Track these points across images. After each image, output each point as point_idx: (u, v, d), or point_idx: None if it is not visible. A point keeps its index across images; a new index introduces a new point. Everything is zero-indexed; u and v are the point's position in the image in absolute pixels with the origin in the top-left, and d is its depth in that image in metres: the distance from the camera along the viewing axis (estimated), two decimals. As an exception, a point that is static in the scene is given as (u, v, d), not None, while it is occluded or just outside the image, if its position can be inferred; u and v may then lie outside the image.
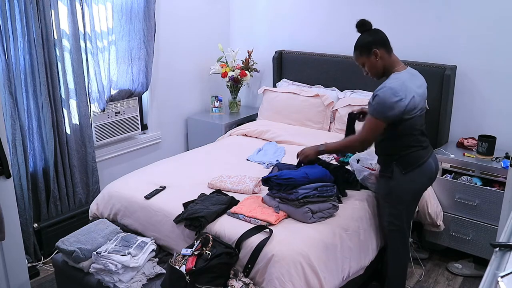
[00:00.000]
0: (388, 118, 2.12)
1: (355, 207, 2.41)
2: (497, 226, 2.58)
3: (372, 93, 2.21)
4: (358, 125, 2.40)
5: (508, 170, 2.34)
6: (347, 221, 2.30)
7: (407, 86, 2.13)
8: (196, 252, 2.03)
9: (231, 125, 3.88)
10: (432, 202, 2.88)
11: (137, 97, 3.62)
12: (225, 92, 4.23)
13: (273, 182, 2.25)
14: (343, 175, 2.53)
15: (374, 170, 2.53)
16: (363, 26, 2.24)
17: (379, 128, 2.15)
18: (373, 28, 2.25)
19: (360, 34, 2.25)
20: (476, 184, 2.83)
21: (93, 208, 2.69)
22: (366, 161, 2.67)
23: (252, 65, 4.07)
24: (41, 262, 2.98)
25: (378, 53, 2.19)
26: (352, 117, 2.54)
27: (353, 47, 2.26)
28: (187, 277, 1.93)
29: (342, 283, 2.22)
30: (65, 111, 3.05)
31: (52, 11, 2.85)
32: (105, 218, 2.58)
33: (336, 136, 3.31)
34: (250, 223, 2.15)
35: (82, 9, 3.03)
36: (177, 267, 1.98)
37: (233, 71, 4.00)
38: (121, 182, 2.71)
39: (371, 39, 2.20)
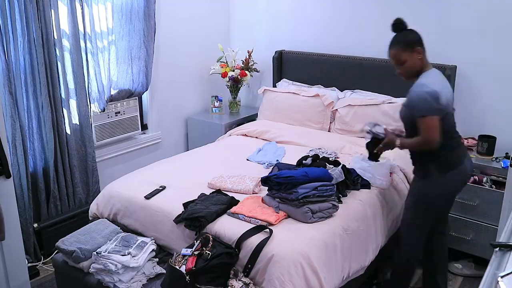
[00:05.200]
0: (437, 111, 2.12)
1: (355, 207, 2.41)
2: (497, 226, 2.59)
3: (406, 97, 2.27)
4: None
5: (508, 170, 2.35)
6: (347, 221, 2.29)
7: (439, 80, 2.21)
8: (196, 252, 2.03)
9: (231, 125, 3.88)
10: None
11: (137, 97, 3.62)
12: (225, 92, 4.23)
13: (273, 181, 2.25)
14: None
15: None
16: (400, 25, 2.27)
17: (435, 124, 2.12)
18: (408, 28, 2.28)
19: (396, 32, 2.27)
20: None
21: (93, 208, 2.69)
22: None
23: (252, 65, 4.07)
24: (41, 262, 2.99)
25: (421, 51, 2.22)
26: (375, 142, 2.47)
27: (393, 42, 2.26)
28: (187, 277, 1.93)
29: (342, 283, 2.22)
30: (65, 111, 3.06)
31: (52, 11, 2.85)
32: (105, 218, 2.58)
33: (336, 136, 3.32)
34: (250, 223, 2.15)
35: (82, 9, 3.03)
36: (177, 267, 1.98)
37: (233, 71, 4.00)
38: (121, 182, 2.71)
39: (414, 37, 2.23)
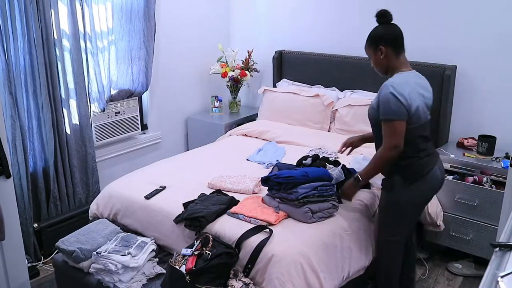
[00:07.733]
0: (400, 115, 2.00)
1: (355, 207, 2.41)
2: (497, 226, 2.58)
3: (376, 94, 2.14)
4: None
5: (508, 170, 2.35)
6: (347, 221, 2.30)
7: (410, 83, 2.06)
8: (196, 252, 2.03)
9: (231, 125, 3.88)
10: (432, 202, 2.86)
11: (137, 97, 3.62)
12: (225, 92, 4.23)
13: (273, 181, 2.25)
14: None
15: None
16: (382, 17, 2.17)
17: (398, 129, 2.02)
18: (391, 22, 2.16)
19: (378, 24, 2.18)
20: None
21: (93, 208, 2.69)
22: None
23: (252, 65, 4.07)
24: (41, 262, 2.98)
25: (383, 51, 2.12)
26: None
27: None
28: (187, 277, 1.93)
29: (342, 283, 2.22)
30: (65, 111, 3.06)
31: (52, 11, 2.85)
32: (105, 218, 2.58)
33: (336, 136, 3.32)
34: (250, 223, 2.15)
35: (82, 9, 3.03)
36: (177, 267, 1.98)
37: (233, 71, 4.00)
38: (121, 182, 2.71)
39: (382, 34, 2.13)
